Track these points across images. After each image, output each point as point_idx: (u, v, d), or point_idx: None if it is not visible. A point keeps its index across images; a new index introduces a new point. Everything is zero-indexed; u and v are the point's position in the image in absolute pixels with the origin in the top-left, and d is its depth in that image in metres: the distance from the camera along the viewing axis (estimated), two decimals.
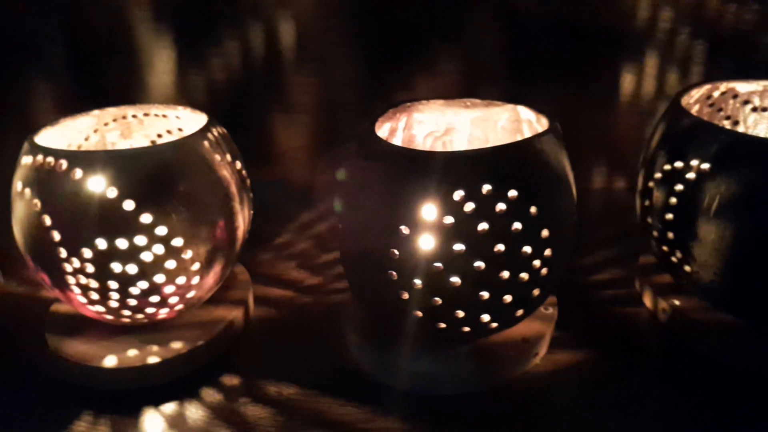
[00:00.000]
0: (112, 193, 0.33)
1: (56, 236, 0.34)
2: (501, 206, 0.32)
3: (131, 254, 0.34)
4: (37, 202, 0.34)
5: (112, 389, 0.37)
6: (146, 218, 0.34)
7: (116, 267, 0.34)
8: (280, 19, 0.61)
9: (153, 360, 0.37)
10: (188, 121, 0.44)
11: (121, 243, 0.34)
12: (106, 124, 0.44)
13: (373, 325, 0.39)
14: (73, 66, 0.65)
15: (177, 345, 0.38)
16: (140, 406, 0.36)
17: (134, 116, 0.44)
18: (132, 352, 0.38)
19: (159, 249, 0.35)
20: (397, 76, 0.62)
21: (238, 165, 0.40)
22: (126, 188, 0.33)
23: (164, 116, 0.44)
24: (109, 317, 0.37)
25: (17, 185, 0.35)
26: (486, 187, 0.31)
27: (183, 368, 0.38)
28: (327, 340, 0.41)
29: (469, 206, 0.31)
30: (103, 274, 0.34)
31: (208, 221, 0.36)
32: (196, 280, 0.37)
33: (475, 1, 0.59)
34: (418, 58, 0.61)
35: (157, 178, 0.34)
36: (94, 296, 0.35)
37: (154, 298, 0.36)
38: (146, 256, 0.34)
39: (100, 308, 0.36)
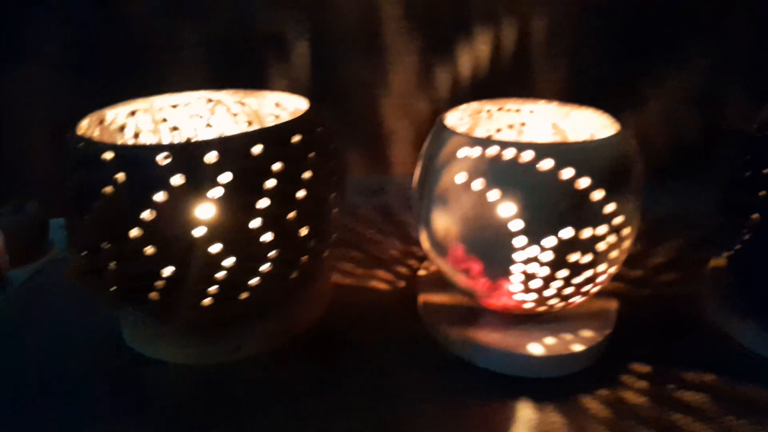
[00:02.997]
0: (584, 182, 0.34)
1: (517, 226, 0.34)
2: None
3: (591, 244, 0.35)
4: (495, 192, 0.34)
5: (533, 377, 0.38)
6: (610, 207, 0.34)
7: (573, 257, 0.35)
8: (534, 15, 0.62)
9: (578, 348, 0.38)
10: (540, 113, 0.45)
11: (586, 232, 0.34)
12: (460, 119, 0.44)
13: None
14: (316, 62, 0.66)
15: (588, 333, 0.39)
16: (573, 392, 0.37)
17: (488, 111, 0.45)
18: (550, 341, 0.38)
19: (612, 238, 0.35)
20: (646, 70, 0.63)
21: None
22: (598, 178, 0.34)
23: (517, 111, 0.45)
24: (529, 306, 0.38)
25: (459, 177, 0.36)
26: None
27: (594, 356, 0.39)
28: (694, 328, 0.42)
29: None
30: (558, 263, 0.35)
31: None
32: (614, 269, 0.38)
33: None
34: (669, 53, 0.62)
35: (621, 168, 0.35)
36: (535, 285, 0.36)
37: (587, 287, 0.37)
38: (601, 246, 0.35)
39: (531, 297, 0.37)
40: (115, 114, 0.42)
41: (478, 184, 0.35)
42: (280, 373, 0.39)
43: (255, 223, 0.35)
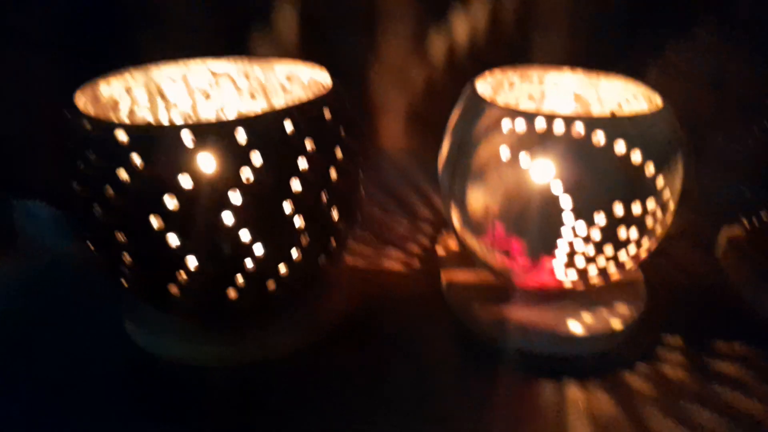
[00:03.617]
0: (637, 157, 0.32)
1: (566, 202, 0.33)
2: None
3: (640, 219, 0.34)
4: (543, 168, 0.33)
5: (574, 354, 0.37)
6: (660, 182, 0.33)
7: (622, 232, 0.34)
8: None
9: (617, 326, 0.37)
10: (561, 84, 0.43)
11: (636, 208, 0.33)
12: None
13: None
14: (303, 29, 0.62)
15: (623, 309, 0.38)
16: (613, 368, 0.36)
17: (511, 83, 0.43)
18: (588, 319, 0.37)
19: (659, 213, 0.34)
20: (654, 47, 0.62)
21: None
22: (650, 152, 0.32)
23: (540, 82, 0.43)
24: (569, 284, 0.37)
25: (502, 151, 0.34)
26: None
27: (630, 331, 0.38)
28: (716, 298, 0.43)
29: None
30: (606, 240, 0.34)
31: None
32: (655, 245, 0.37)
33: None
34: (674, 26, 0.61)
35: (671, 142, 0.34)
36: (579, 263, 0.35)
37: (629, 264, 0.36)
38: (649, 221, 0.34)
39: (572, 275, 0.36)
40: (110, 89, 0.37)
41: (524, 160, 0.33)
42: (313, 369, 0.36)
43: (287, 207, 0.32)
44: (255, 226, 0.31)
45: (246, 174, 0.30)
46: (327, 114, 0.33)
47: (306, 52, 0.62)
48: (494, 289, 0.40)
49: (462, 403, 0.34)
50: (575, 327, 0.37)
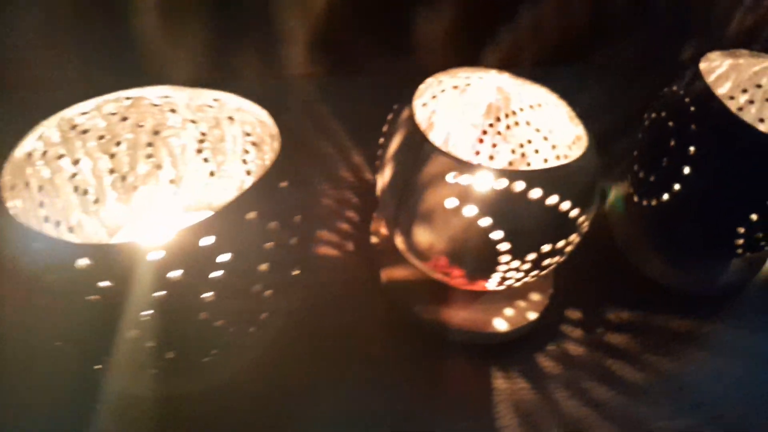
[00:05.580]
0: (566, 205, 0.36)
1: (505, 246, 0.37)
2: None
3: (562, 249, 0.39)
4: (487, 219, 0.36)
5: (501, 343, 0.44)
6: (582, 220, 0.38)
7: (547, 261, 0.39)
8: None
9: (532, 316, 0.44)
10: (487, 78, 0.45)
11: (561, 243, 0.38)
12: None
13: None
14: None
15: (536, 297, 0.45)
16: (528, 352, 0.44)
17: (440, 81, 0.43)
18: (509, 312, 0.44)
19: (577, 240, 0.40)
20: None
21: None
22: (576, 199, 0.36)
23: (467, 77, 0.44)
24: (491, 288, 0.42)
25: (449, 201, 0.36)
26: None
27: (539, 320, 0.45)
28: (606, 262, 0.51)
29: None
30: (534, 268, 0.39)
31: None
32: None
33: None
34: None
35: (591, 184, 0.38)
36: (508, 282, 0.40)
37: (542, 272, 0.42)
38: (569, 248, 0.39)
39: (496, 286, 0.41)
40: (25, 148, 0.33)
41: (470, 211, 0.36)
42: (258, 383, 0.40)
43: (257, 287, 0.33)
44: (229, 315, 0.32)
45: (159, 294, 0.29)
46: (251, 215, 0.31)
47: None
48: (430, 286, 0.45)
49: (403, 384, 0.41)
50: (500, 324, 0.43)
